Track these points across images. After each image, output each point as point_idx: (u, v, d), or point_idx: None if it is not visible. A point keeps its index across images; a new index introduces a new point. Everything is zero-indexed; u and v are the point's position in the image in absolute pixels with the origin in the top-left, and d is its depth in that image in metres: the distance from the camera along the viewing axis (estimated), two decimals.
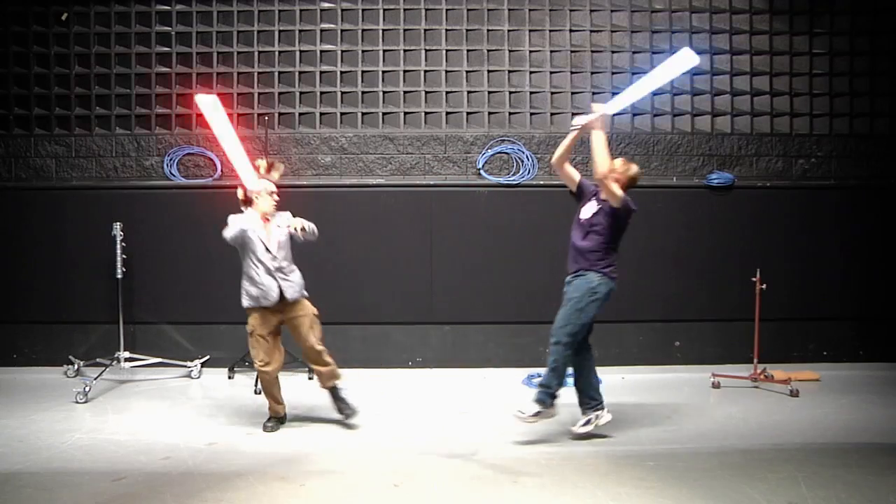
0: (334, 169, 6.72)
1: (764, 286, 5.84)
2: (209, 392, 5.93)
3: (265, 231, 4.78)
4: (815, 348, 6.68)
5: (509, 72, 6.73)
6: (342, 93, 6.72)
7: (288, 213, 4.97)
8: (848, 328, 6.74)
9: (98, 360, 6.16)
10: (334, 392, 5.04)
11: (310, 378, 6.26)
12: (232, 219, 4.73)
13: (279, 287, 4.75)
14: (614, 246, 4.58)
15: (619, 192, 4.39)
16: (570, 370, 4.55)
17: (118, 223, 6.13)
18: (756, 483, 3.87)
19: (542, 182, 6.68)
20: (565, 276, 4.76)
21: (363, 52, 6.70)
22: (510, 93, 6.74)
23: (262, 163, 4.99)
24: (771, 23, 6.76)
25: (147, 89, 6.69)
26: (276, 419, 4.98)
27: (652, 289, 6.66)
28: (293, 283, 4.85)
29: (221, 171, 6.65)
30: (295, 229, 4.72)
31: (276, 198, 4.87)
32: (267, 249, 4.75)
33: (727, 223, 6.69)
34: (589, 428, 4.65)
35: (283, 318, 4.87)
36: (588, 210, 4.60)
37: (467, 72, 6.73)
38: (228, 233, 4.67)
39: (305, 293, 4.96)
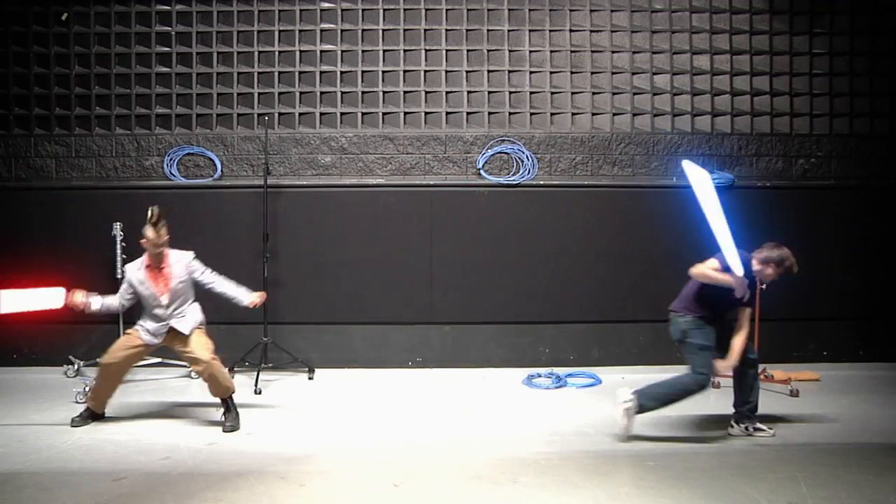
0: (334, 169, 6.72)
1: (764, 286, 5.83)
2: (209, 392, 5.92)
3: (152, 281, 4.91)
4: (815, 348, 6.68)
5: (509, 72, 6.74)
6: (342, 93, 6.72)
7: (190, 254, 5.06)
8: (848, 328, 6.74)
9: (98, 360, 6.14)
10: (226, 403, 4.97)
11: (310, 378, 6.27)
12: (126, 269, 5.02)
13: (166, 330, 4.95)
14: None
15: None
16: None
17: (118, 223, 6.13)
18: (756, 483, 3.87)
19: (542, 182, 6.69)
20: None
21: (363, 52, 6.71)
22: (510, 93, 6.75)
23: (154, 210, 4.87)
24: (771, 23, 6.76)
25: (147, 89, 6.70)
26: (92, 414, 4.99)
27: (652, 289, 6.65)
28: (186, 320, 4.99)
29: (221, 171, 6.66)
30: (253, 304, 5.06)
31: (163, 248, 4.91)
32: (155, 297, 4.91)
33: (727, 223, 6.68)
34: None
35: (170, 346, 5.02)
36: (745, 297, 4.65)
37: (467, 72, 6.73)
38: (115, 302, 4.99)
39: (201, 325, 5.08)
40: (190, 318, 5.01)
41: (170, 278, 4.93)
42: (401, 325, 6.67)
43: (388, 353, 6.67)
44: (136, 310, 5.17)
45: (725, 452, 4.39)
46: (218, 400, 4.98)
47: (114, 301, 4.99)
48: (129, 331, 5.06)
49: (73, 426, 4.87)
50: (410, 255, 6.64)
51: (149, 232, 4.84)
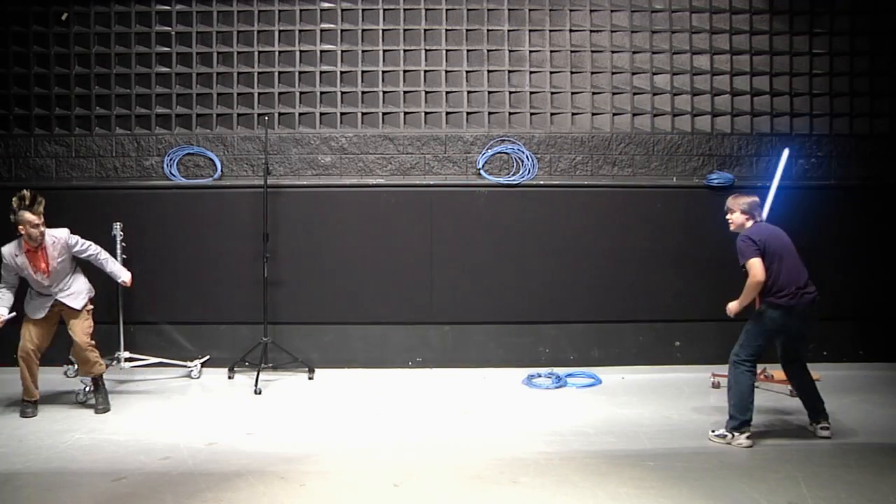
0: (334, 169, 6.72)
1: None
2: (209, 392, 5.94)
3: (32, 263, 5.03)
4: (815, 348, 6.66)
5: (509, 72, 6.73)
6: (342, 93, 6.72)
7: (66, 231, 5.16)
8: (848, 328, 6.73)
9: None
10: (96, 382, 5.32)
11: (310, 378, 6.27)
12: (2, 250, 5.10)
13: (53, 304, 5.16)
14: (773, 277, 4.58)
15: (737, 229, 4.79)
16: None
17: (118, 223, 6.14)
18: (756, 483, 3.88)
19: (542, 182, 6.69)
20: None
21: (363, 52, 6.70)
22: (510, 93, 6.74)
23: (26, 193, 4.98)
24: (771, 23, 6.76)
25: (147, 89, 6.70)
26: (33, 403, 5.20)
27: (652, 289, 6.66)
28: (75, 294, 5.23)
29: (221, 171, 6.66)
30: (124, 282, 5.41)
31: (41, 228, 4.99)
32: (38, 278, 5.07)
33: (727, 223, 6.68)
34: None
35: (61, 310, 5.23)
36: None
37: (467, 72, 6.73)
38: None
39: (90, 295, 5.32)
40: (79, 293, 5.23)
41: (49, 259, 5.06)
42: (400, 324, 6.67)
43: (387, 353, 6.66)
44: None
45: (725, 452, 4.39)
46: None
47: (4, 296, 5.10)
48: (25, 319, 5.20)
49: (25, 417, 5.09)
50: (410, 255, 6.63)
51: (28, 215, 4.92)
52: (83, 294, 5.28)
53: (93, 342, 5.27)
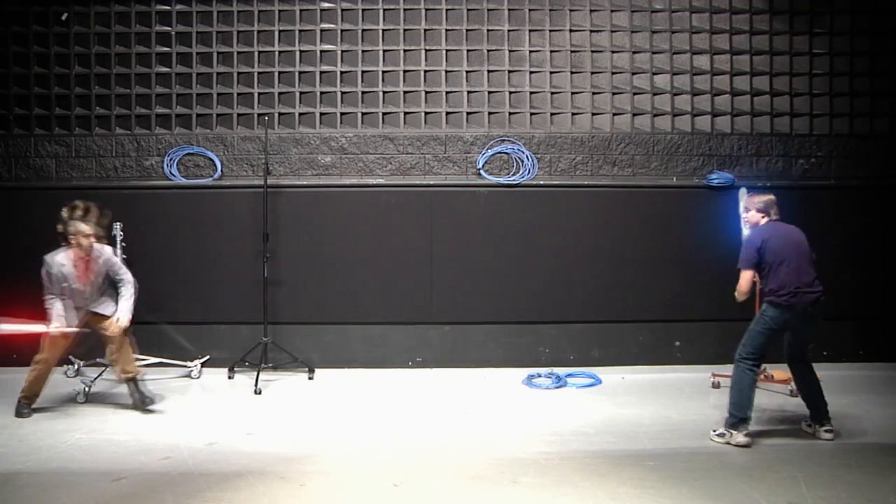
0: (334, 169, 6.72)
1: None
2: (209, 392, 5.94)
3: (79, 274, 5.09)
4: (815, 348, 6.63)
5: (509, 72, 6.73)
6: (342, 93, 6.72)
7: (109, 249, 5.26)
8: (848, 328, 6.73)
9: (98, 360, 6.14)
10: (131, 384, 5.28)
11: (310, 378, 6.27)
12: (47, 259, 5.06)
13: (86, 315, 5.19)
14: (769, 276, 4.63)
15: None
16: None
17: (118, 223, 6.13)
18: (756, 483, 3.87)
19: (542, 182, 6.69)
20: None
21: (363, 52, 6.71)
22: (510, 93, 6.74)
23: (80, 203, 5.09)
24: (771, 23, 6.76)
25: (147, 89, 6.70)
26: (30, 405, 5.20)
27: (652, 289, 6.66)
28: (107, 303, 5.27)
29: (221, 171, 6.66)
30: (119, 321, 5.17)
31: (92, 240, 5.09)
32: (80, 290, 5.10)
33: (727, 223, 6.68)
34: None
35: (89, 319, 5.25)
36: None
37: (467, 72, 6.73)
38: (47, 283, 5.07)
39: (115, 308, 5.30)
40: (109, 303, 5.27)
41: (92, 271, 5.13)
42: (400, 324, 6.67)
43: (387, 353, 6.66)
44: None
45: (725, 452, 4.39)
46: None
47: (57, 305, 5.09)
48: (49, 333, 5.12)
49: (23, 417, 5.07)
50: (410, 255, 6.63)
51: (83, 226, 5.00)
52: (113, 303, 5.31)
53: (130, 340, 5.32)
